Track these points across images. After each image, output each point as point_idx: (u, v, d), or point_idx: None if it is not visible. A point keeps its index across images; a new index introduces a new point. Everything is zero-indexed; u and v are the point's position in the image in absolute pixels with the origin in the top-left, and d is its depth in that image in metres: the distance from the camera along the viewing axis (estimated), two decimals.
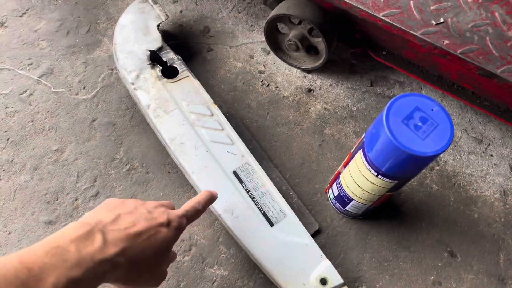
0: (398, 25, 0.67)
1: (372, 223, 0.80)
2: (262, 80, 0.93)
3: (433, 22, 0.68)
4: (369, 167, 0.61)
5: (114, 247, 0.46)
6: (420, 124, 0.55)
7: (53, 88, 0.87)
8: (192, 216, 0.58)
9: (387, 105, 0.55)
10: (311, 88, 0.92)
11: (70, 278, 0.41)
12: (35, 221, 0.75)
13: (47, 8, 0.97)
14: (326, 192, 0.81)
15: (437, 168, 0.86)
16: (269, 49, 0.95)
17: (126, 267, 0.47)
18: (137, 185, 0.79)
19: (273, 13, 0.85)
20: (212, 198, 0.63)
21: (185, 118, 0.78)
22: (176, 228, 0.54)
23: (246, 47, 0.97)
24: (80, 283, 0.42)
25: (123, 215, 0.50)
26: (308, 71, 0.94)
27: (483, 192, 0.84)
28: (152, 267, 0.51)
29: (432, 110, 0.56)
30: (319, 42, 0.86)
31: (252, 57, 0.95)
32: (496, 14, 0.71)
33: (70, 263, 0.41)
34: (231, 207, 0.72)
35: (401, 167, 0.57)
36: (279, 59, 0.95)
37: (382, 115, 0.55)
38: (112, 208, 0.52)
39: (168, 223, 0.53)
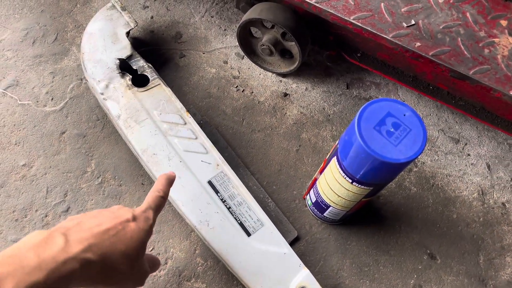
0: (369, 29, 0.66)
1: (352, 228, 0.79)
2: (237, 86, 0.91)
3: (404, 25, 0.68)
4: (343, 174, 0.60)
5: (78, 244, 0.44)
6: (392, 130, 0.54)
7: (19, 101, 0.84)
8: (157, 206, 0.56)
9: (359, 111, 0.54)
10: (287, 92, 0.91)
11: (30, 283, 0.39)
12: (3, 240, 0.72)
13: (12, 17, 0.93)
14: (304, 198, 0.80)
15: (415, 169, 0.86)
16: (243, 53, 0.93)
17: (98, 265, 0.45)
18: (110, 198, 0.77)
19: (245, 17, 0.83)
20: (170, 180, 0.60)
21: (157, 128, 0.76)
22: (145, 220, 0.53)
23: (219, 52, 0.95)
24: (45, 286, 0.40)
25: (85, 220, 0.49)
26: (283, 75, 0.93)
27: (461, 192, 0.84)
28: (129, 262, 0.50)
29: (404, 115, 0.55)
30: (293, 46, 0.85)
31: (226, 62, 0.94)
32: (468, 14, 0.71)
33: (29, 268, 0.40)
34: (206, 218, 0.71)
35: (375, 174, 0.56)
36: (253, 64, 0.93)
37: (354, 122, 0.54)
38: (74, 218, 0.50)
39: (134, 218, 0.52)
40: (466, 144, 0.90)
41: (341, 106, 0.91)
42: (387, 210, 0.81)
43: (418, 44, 0.66)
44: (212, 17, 0.99)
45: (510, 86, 0.64)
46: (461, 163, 0.87)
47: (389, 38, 0.66)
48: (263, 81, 0.92)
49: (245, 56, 0.93)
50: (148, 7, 0.99)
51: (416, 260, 0.77)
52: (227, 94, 0.90)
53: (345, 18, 0.67)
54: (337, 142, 0.62)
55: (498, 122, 0.82)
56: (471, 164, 0.87)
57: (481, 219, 0.82)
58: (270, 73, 0.93)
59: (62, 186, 0.77)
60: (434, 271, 0.76)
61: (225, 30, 0.98)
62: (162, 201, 0.57)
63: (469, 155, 0.88)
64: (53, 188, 0.77)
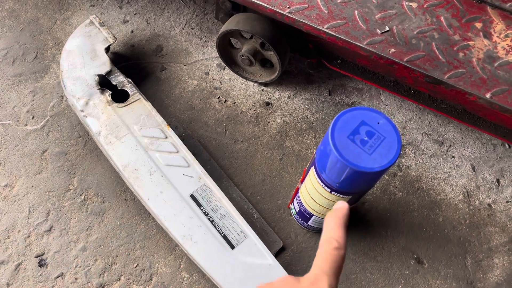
0: (342, 37, 0.66)
1: None
2: (219, 97, 0.91)
3: (379, 31, 0.68)
4: (322, 183, 0.60)
5: None
6: (366, 138, 0.53)
7: (0, 121, 0.83)
8: (333, 265, 0.38)
9: (332, 121, 0.54)
10: (269, 101, 0.91)
11: None
12: None
13: None
14: (289, 208, 0.80)
15: (400, 174, 0.85)
16: (224, 64, 0.93)
17: None
18: (93, 216, 0.76)
19: (223, 28, 0.83)
20: (342, 219, 0.41)
21: (137, 143, 0.76)
22: None
23: (201, 63, 0.95)
24: None
25: None
26: (265, 84, 0.93)
27: (446, 195, 0.84)
28: None
29: (378, 123, 0.55)
30: (272, 55, 0.85)
31: (207, 73, 0.93)
32: (442, 18, 0.71)
33: None
34: (189, 232, 0.70)
35: (352, 183, 0.56)
36: (235, 74, 0.93)
37: (328, 132, 0.54)
38: None
39: None
40: (450, 146, 0.90)
41: (324, 113, 0.91)
42: (372, 216, 0.81)
43: (392, 50, 0.66)
44: (192, 29, 0.99)
45: (485, 89, 0.64)
46: (446, 165, 0.87)
47: (363, 46, 0.66)
48: (245, 91, 0.92)
49: (226, 66, 0.93)
50: (128, 21, 0.99)
51: (403, 265, 0.77)
52: (209, 106, 0.90)
53: (319, 27, 0.67)
54: (314, 153, 0.62)
55: (480, 124, 0.82)
56: (456, 166, 0.87)
57: (467, 221, 0.82)
58: (252, 83, 0.93)
59: (45, 205, 0.76)
60: (421, 276, 0.76)
61: (205, 41, 0.98)
62: (339, 256, 0.38)
63: (453, 157, 0.88)
64: (36, 208, 0.76)
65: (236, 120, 0.88)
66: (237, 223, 0.72)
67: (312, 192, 0.64)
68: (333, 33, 0.67)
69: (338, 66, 0.86)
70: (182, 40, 0.97)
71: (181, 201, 0.72)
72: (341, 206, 0.42)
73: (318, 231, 0.77)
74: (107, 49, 0.85)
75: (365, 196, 0.81)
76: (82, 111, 0.78)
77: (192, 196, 0.73)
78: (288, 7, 0.69)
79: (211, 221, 0.71)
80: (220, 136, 0.86)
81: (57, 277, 0.71)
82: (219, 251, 0.69)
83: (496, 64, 0.66)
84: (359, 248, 0.78)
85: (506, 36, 0.69)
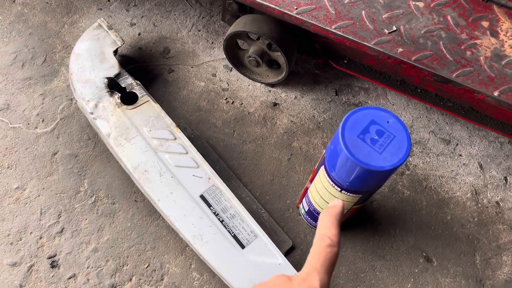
0: (350, 37, 0.67)
1: (346, 234, 0.79)
2: (226, 98, 0.91)
3: (386, 31, 0.68)
4: (332, 183, 0.60)
5: None
6: (376, 137, 0.54)
7: (10, 124, 0.84)
8: (325, 262, 0.38)
9: (342, 121, 0.54)
10: (276, 102, 0.92)
11: None
12: None
13: (0, 41, 0.94)
14: (298, 207, 0.80)
15: (407, 172, 0.86)
16: (231, 66, 0.94)
17: None
18: (104, 217, 0.77)
19: (230, 30, 0.84)
20: (336, 217, 0.42)
21: (147, 145, 0.77)
22: None
23: (208, 65, 0.95)
24: None
25: None
26: (272, 85, 0.93)
27: (454, 193, 0.84)
28: None
29: (387, 122, 0.55)
30: (279, 56, 0.85)
31: (214, 75, 0.94)
32: (449, 17, 0.71)
33: None
34: (200, 232, 0.71)
35: (362, 182, 0.56)
36: (242, 75, 0.94)
37: (338, 132, 0.54)
38: None
39: None
40: (457, 144, 0.90)
41: (330, 113, 0.91)
42: (381, 214, 0.81)
43: (400, 50, 0.66)
44: (199, 30, 1.00)
45: (493, 87, 0.64)
46: (453, 163, 0.88)
47: (371, 46, 0.66)
48: (252, 92, 0.92)
49: (233, 68, 0.94)
50: (135, 24, 0.99)
51: (413, 264, 0.77)
52: (217, 107, 0.90)
53: (327, 28, 0.68)
54: (324, 152, 0.62)
55: (487, 122, 0.82)
56: (463, 164, 0.88)
57: (475, 219, 0.82)
58: (259, 84, 0.94)
59: (56, 207, 0.77)
60: (430, 274, 0.76)
61: (212, 43, 0.99)
62: (331, 253, 0.39)
63: (460, 155, 0.89)
64: (47, 210, 0.77)
65: (243, 121, 0.89)
66: (247, 223, 0.72)
67: (322, 191, 0.64)
68: (341, 34, 0.67)
69: (345, 66, 0.86)
70: (189, 42, 0.98)
71: (191, 201, 0.73)
72: (336, 204, 0.43)
73: None
74: (115, 52, 0.86)
75: (374, 195, 0.81)
76: (91, 113, 0.79)
77: (202, 197, 0.74)
78: (296, 8, 0.70)
79: (221, 221, 0.72)
80: (228, 137, 0.87)
81: (69, 278, 0.72)
82: (229, 250, 0.70)
83: (503, 62, 0.66)
84: (368, 246, 0.78)
85: None
